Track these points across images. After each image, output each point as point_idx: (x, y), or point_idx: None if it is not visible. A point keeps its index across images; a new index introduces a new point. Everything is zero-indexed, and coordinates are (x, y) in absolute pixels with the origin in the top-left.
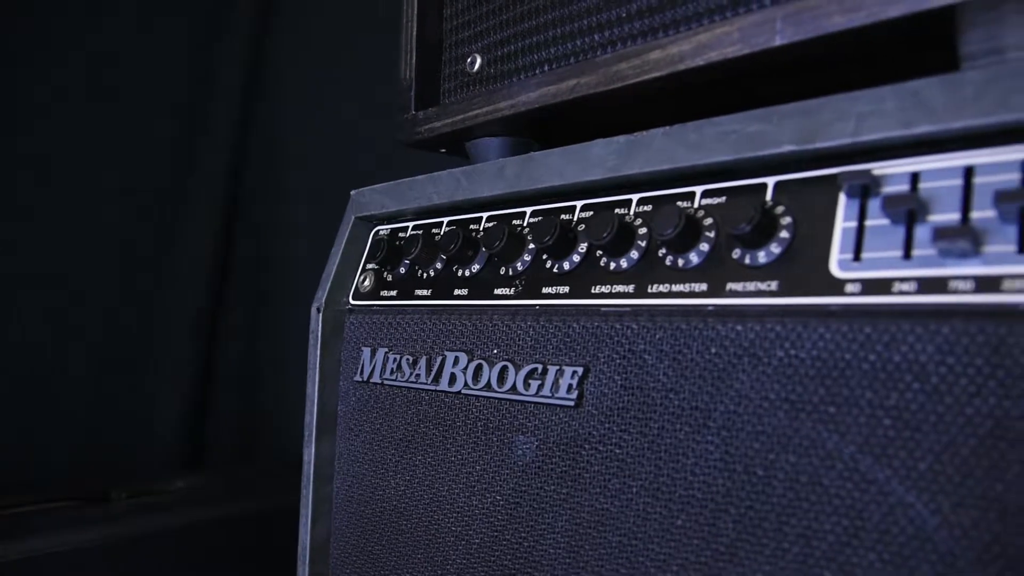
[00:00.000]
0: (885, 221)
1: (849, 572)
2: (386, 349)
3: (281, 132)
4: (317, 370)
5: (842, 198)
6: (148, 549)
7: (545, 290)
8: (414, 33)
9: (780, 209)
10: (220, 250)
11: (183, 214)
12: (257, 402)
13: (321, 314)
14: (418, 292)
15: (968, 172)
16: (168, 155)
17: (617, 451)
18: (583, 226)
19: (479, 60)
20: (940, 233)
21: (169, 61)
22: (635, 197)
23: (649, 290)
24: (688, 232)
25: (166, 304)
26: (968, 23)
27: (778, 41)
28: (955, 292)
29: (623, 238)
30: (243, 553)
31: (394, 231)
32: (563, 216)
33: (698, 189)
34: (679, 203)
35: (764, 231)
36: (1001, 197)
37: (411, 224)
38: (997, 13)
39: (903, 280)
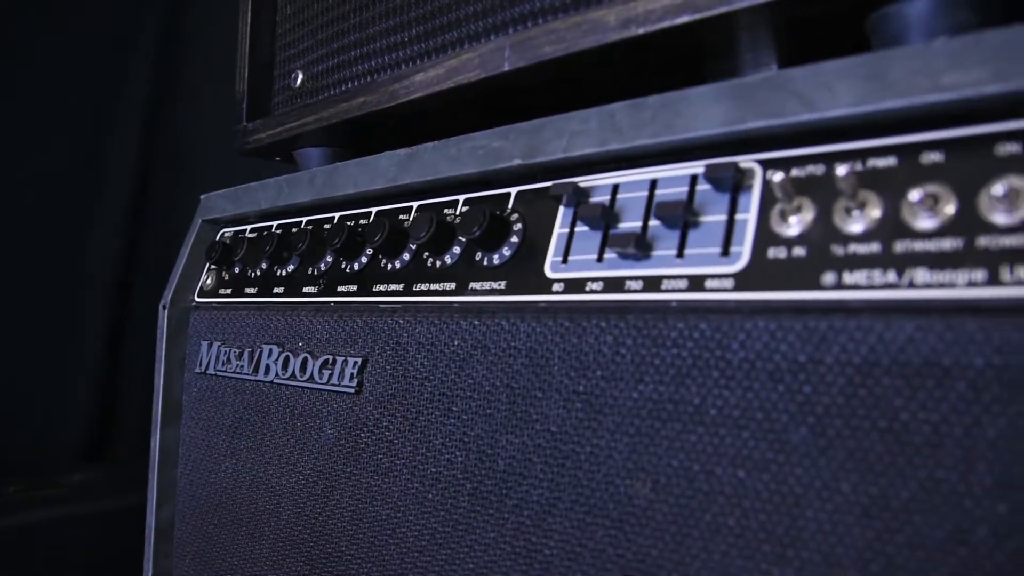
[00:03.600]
0: (587, 228)
1: (551, 536)
2: (220, 343)
3: (187, 138)
4: (163, 363)
5: (561, 207)
6: (33, 541)
7: (340, 288)
8: (247, 50)
9: (515, 216)
10: (127, 252)
11: (92, 216)
12: None
13: (167, 311)
14: (247, 290)
15: (653, 184)
16: (77, 158)
17: (387, 434)
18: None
19: (300, 76)
20: (613, 240)
21: (80, 69)
22: (415, 204)
23: (414, 288)
24: (441, 236)
25: (74, 303)
26: (710, 49)
27: (506, 67)
28: (629, 291)
29: (396, 241)
30: (133, 544)
31: (236, 233)
32: (361, 221)
33: (461, 197)
34: (446, 210)
35: (497, 236)
36: (659, 208)
37: (249, 227)
38: (733, 41)
39: (594, 280)
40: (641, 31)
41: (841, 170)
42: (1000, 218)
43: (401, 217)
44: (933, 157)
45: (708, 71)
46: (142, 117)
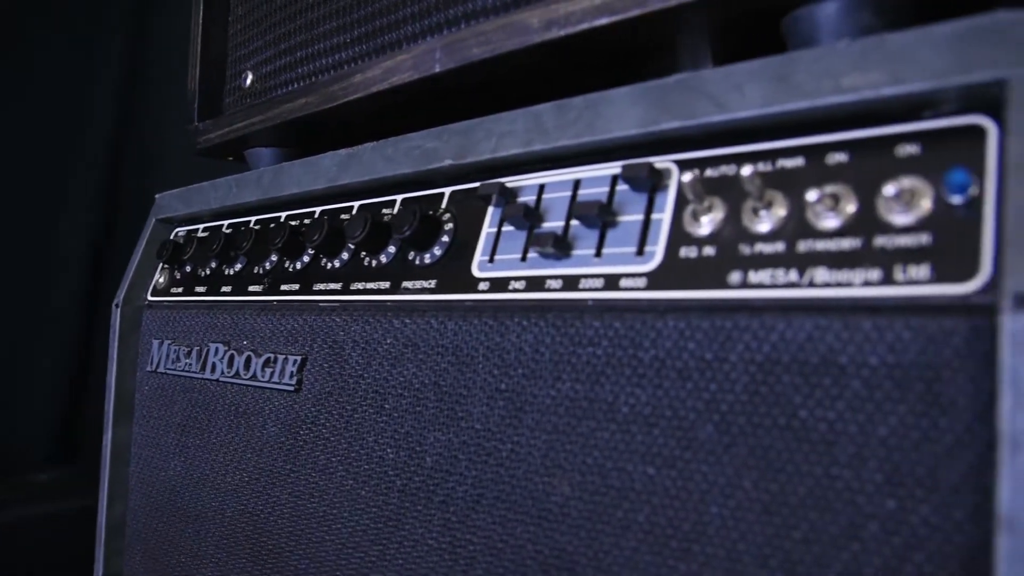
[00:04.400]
0: (513, 228)
1: (475, 532)
2: (170, 341)
3: (156, 138)
4: (115, 362)
5: (490, 207)
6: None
7: (283, 287)
8: (198, 50)
9: (447, 216)
10: (95, 252)
11: (61, 216)
12: None
13: (119, 310)
14: (197, 289)
15: (576, 184)
16: (45, 160)
17: (324, 431)
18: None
19: (250, 77)
20: (534, 240)
21: (48, 70)
22: (356, 204)
23: (352, 287)
24: (376, 236)
25: (42, 304)
26: (646, 48)
27: (437, 68)
28: (549, 290)
29: (335, 241)
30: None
31: (189, 232)
32: (306, 220)
33: (399, 197)
34: (384, 210)
35: (429, 235)
36: (577, 208)
37: (201, 227)
38: (664, 41)
39: (517, 279)
40: (562, 33)
41: (746, 170)
42: (896, 218)
43: (343, 217)
44: (838, 158)
45: (651, 70)
46: (111, 116)
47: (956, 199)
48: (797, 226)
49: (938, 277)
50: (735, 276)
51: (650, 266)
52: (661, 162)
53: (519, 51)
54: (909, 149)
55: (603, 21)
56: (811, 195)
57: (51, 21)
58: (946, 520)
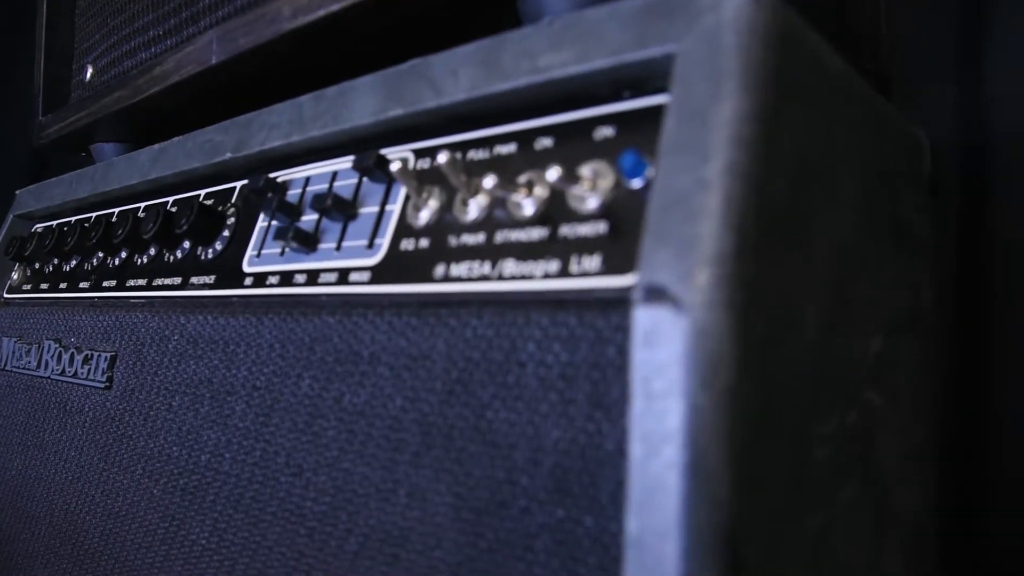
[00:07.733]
0: (277, 222)
1: (235, 532)
2: (16, 339)
3: None
4: None
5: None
6: None
7: (104, 283)
8: (43, 43)
9: (232, 210)
10: None
11: None
12: None
13: None
14: (42, 286)
15: (334, 176)
16: None
17: (128, 429)
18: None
19: (90, 70)
20: (276, 234)
21: None
22: (171, 199)
23: (154, 283)
24: (165, 231)
25: None
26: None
27: (214, 60)
28: (295, 284)
29: (135, 238)
30: None
31: (46, 228)
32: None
33: (203, 192)
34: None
35: (211, 230)
36: (314, 201)
37: (55, 223)
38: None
39: (273, 274)
40: (306, 20)
41: (442, 157)
42: (580, 206)
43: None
44: (545, 143)
45: None
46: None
47: (636, 184)
48: (497, 216)
49: (607, 269)
50: (439, 269)
51: (375, 259)
52: (398, 152)
53: (277, 39)
54: (605, 132)
55: (336, 7)
56: (503, 182)
57: None
58: (604, 532)
